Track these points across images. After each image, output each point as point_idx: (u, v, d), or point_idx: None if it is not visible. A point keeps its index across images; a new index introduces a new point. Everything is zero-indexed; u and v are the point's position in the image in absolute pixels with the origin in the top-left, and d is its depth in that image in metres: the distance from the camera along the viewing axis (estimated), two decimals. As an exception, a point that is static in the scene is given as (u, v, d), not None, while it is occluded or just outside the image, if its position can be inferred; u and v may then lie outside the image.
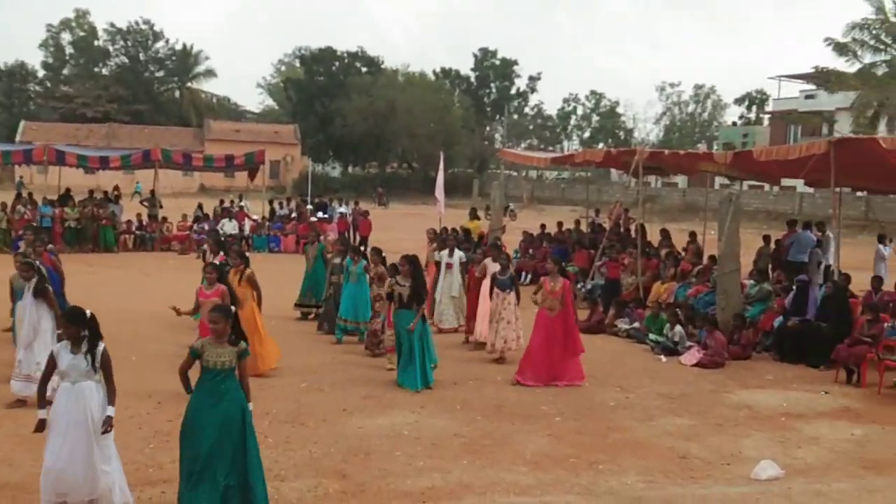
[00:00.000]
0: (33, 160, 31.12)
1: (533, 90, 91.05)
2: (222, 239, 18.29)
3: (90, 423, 6.98)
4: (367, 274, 14.89)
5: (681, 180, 58.59)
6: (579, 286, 20.95)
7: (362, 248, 19.43)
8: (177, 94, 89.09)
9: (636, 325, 16.48)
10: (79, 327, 7.10)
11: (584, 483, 8.34)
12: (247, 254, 14.01)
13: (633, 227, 24.17)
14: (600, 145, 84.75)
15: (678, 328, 15.10)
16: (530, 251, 24.72)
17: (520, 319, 13.84)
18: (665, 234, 23.16)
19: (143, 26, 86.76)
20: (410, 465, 8.64)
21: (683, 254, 21.00)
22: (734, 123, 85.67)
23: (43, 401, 7.14)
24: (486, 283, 14.89)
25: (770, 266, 19.47)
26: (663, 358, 14.50)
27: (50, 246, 15.09)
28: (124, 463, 8.01)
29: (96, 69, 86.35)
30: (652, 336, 15.53)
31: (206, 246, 16.32)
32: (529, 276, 22.51)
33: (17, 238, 23.75)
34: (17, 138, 66.09)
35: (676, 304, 16.82)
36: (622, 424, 10.44)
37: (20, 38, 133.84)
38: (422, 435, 9.66)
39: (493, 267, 14.81)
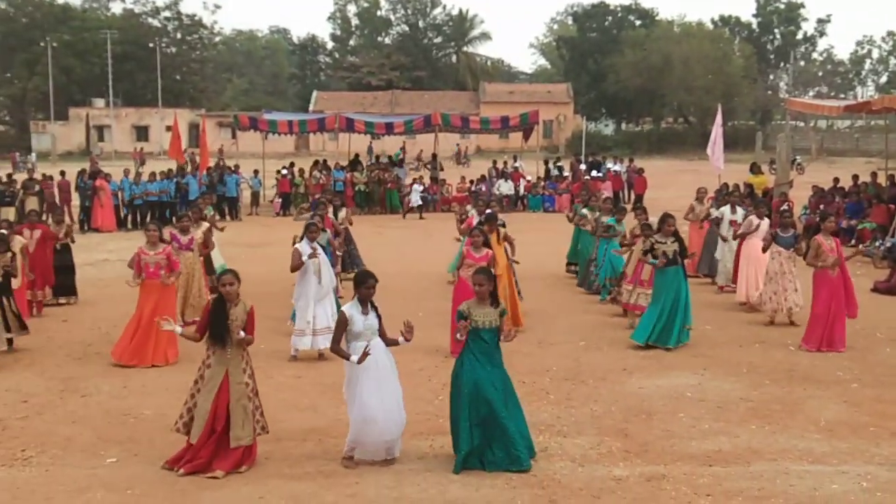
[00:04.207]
0: (326, 128, 33.49)
1: (822, 34, 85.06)
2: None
3: (392, 372, 7.54)
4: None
5: None
6: (878, 244, 19.45)
7: (638, 206, 19.10)
8: (453, 58, 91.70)
9: (946, 286, 15.02)
10: (370, 290, 7.55)
11: (885, 453, 7.76)
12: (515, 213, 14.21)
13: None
14: (901, 90, 77.53)
15: None
16: (821, 207, 23.18)
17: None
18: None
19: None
20: (695, 427, 8.45)
21: None
22: None
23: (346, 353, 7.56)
24: (752, 241, 14.16)
25: None
26: (978, 323, 13.13)
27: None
28: (416, 413, 8.53)
29: (379, 39, 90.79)
30: (964, 299, 14.08)
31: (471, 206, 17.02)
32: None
33: (313, 202, 25.67)
34: (311, 108, 71.07)
35: None
36: (929, 394, 9.59)
37: (311, 13, 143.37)
38: (706, 397, 9.42)
39: (757, 223, 14.10)
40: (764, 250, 13.19)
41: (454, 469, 7.32)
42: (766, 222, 14.38)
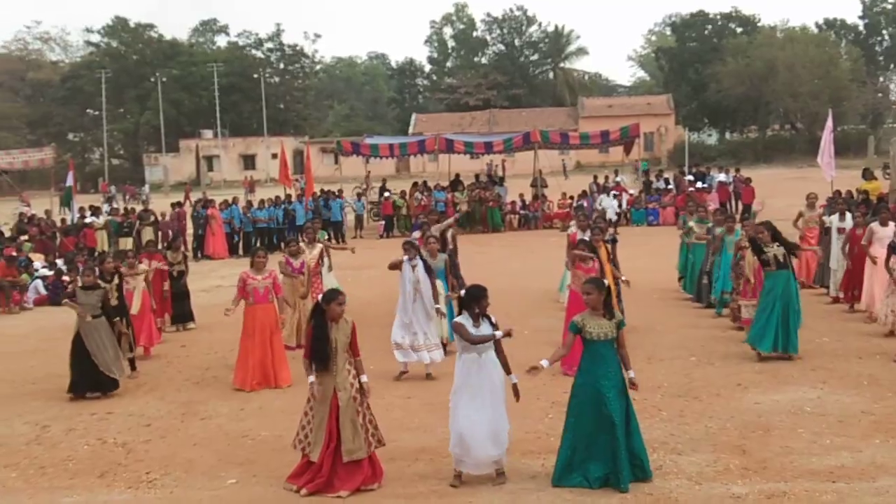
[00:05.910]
0: (426, 150, 33.89)
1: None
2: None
3: (496, 389, 7.49)
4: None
5: None
6: None
7: (746, 217, 18.70)
8: (550, 75, 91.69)
9: None
10: (481, 303, 7.57)
11: None
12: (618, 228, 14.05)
13: None
14: None
15: None
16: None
17: None
18: None
19: (517, 13, 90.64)
20: (815, 442, 8.19)
21: None
22: None
23: None
24: (873, 250, 13.58)
25: None
26: None
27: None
28: (525, 432, 8.52)
29: (476, 59, 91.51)
30: None
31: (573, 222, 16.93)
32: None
33: (415, 224, 25.88)
34: (410, 130, 71.96)
35: None
36: None
37: (408, 37, 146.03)
38: (826, 411, 9.11)
39: (881, 231, 13.51)
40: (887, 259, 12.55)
41: (552, 480, 7.33)
42: (891, 227, 13.69)
